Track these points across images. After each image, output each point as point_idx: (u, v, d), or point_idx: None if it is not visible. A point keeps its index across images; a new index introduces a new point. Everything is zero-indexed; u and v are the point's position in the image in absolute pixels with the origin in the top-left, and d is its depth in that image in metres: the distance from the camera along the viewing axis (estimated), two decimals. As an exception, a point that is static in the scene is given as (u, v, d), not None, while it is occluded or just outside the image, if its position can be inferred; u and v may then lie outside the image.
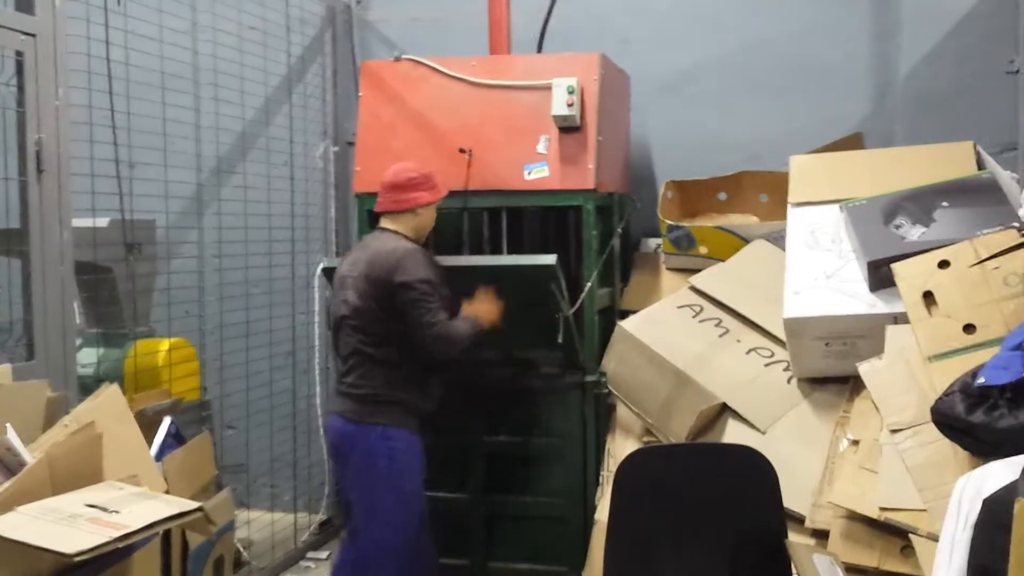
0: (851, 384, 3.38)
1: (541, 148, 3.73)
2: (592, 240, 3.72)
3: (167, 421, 3.41)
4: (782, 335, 3.57)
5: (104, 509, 2.38)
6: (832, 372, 3.38)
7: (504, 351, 3.70)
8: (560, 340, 3.47)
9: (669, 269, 4.23)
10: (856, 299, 3.24)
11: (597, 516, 3.46)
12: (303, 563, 4.51)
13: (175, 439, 3.43)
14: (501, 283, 3.38)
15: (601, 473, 3.64)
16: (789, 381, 3.48)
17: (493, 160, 3.78)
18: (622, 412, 3.72)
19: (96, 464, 2.64)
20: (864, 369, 3.07)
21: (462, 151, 3.74)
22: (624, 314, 4.06)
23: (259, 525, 4.45)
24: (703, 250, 4.10)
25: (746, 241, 4.03)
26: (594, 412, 3.71)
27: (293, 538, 4.57)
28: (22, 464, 2.46)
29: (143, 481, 2.77)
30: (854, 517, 2.81)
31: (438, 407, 3.41)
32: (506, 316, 3.49)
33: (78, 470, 2.55)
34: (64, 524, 2.26)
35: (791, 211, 3.63)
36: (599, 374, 3.70)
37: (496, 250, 3.93)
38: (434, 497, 3.84)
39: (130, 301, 4.07)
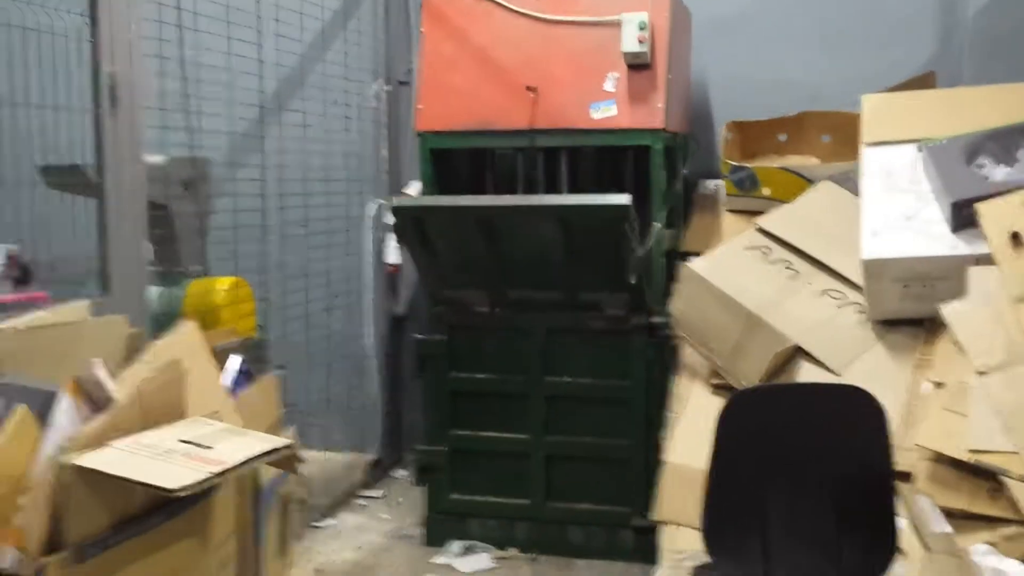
0: (926, 326, 3.34)
1: (609, 86, 3.66)
2: (660, 181, 3.66)
3: (237, 359, 3.39)
4: (854, 277, 3.53)
5: (198, 445, 2.37)
6: (909, 314, 3.34)
7: (569, 293, 3.65)
8: (632, 281, 3.43)
9: (730, 211, 4.17)
10: (937, 240, 3.18)
11: (667, 458, 3.44)
12: (356, 501, 4.52)
13: (244, 377, 3.42)
14: (571, 223, 3.34)
15: (666, 415, 3.62)
16: (862, 323, 3.43)
17: (558, 98, 3.71)
18: (688, 354, 3.68)
19: (181, 401, 2.62)
20: (948, 311, 3.02)
21: (529, 89, 3.67)
22: (685, 256, 4.00)
23: (312, 464, 4.46)
24: (766, 191, 4.04)
25: (810, 182, 3.96)
26: (660, 354, 3.68)
27: (347, 477, 4.58)
28: (108, 399, 2.44)
29: (224, 418, 2.76)
30: (940, 459, 2.78)
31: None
32: (574, 257, 3.46)
33: (165, 406, 2.54)
34: (161, 460, 2.25)
35: (865, 151, 3.56)
36: (665, 316, 3.66)
37: (553, 191, 3.89)
38: (496, 437, 3.85)
39: (187, 239, 4.04)
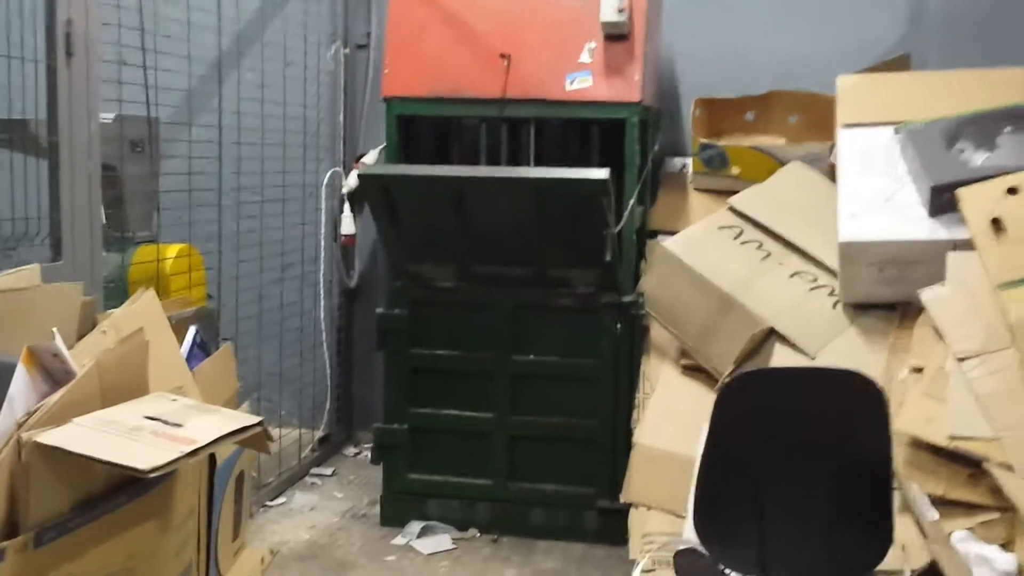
0: (899, 310, 3.32)
1: (585, 57, 3.56)
2: (634, 156, 3.58)
3: (192, 330, 3.23)
4: (825, 259, 3.50)
5: (165, 422, 2.22)
6: (881, 298, 3.32)
7: (538, 269, 3.56)
8: (608, 258, 3.35)
9: (697, 189, 4.11)
10: (916, 224, 3.15)
11: (637, 439, 3.38)
12: (308, 479, 4.39)
13: (200, 349, 3.26)
14: (547, 197, 3.24)
15: (636, 395, 3.56)
16: (835, 306, 3.40)
17: (532, 68, 3.60)
18: (657, 334, 3.62)
19: (143, 374, 2.45)
20: (927, 296, 3.00)
21: (503, 56, 3.55)
22: (653, 234, 3.95)
23: (260, 441, 4.30)
24: (735, 171, 3.99)
25: (780, 163, 3.92)
26: (629, 333, 3.61)
27: (297, 454, 4.44)
28: (68, 372, 2.27)
29: (187, 393, 2.62)
30: (919, 445, 2.76)
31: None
32: (546, 232, 3.37)
33: (128, 381, 2.37)
34: (127, 438, 2.09)
35: (841, 132, 3.52)
36: (635, 294, 3.59)
37: (516, 164, 3.78)
38: (458, 416, 3.75)
39: (135, 203, 3.84)
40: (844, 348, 3.28)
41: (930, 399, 2.84)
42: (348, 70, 4.58)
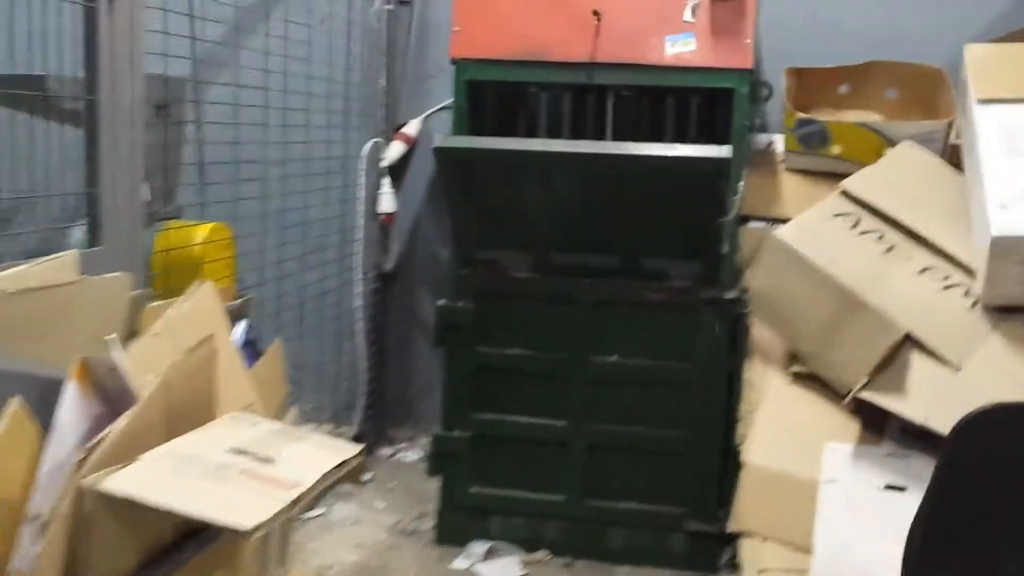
0: (1047, 315, 2.93)
1: (687, 15, 3.10)
2: (743, 131, 3.14)
3: (242, 326, 2.76)
4: (957, 253, 3.09)
5: (254, 456, 1.77)
6: (1028, 300, 2.92)
7: (630, 258, 3.11)
8: (725, 249, 2.91)
9: (789, 170, 3.67)
10: (1079, 217, 2.75)
11: (747, 458, 2.95)
12: (343, 486, 3.92)
13: (250, 348, 2.79)
14: (658, 177, 2.80)
15: (738, 406, 3.14)
16: (972, 309, 3.00)
17: (626, 27, 3.13)
18: (761, 336, 3.19)
19: (212, 391, 2.00)
20: (1103, 302, 2.61)
21: (595, 14, 3.08)
22: (743, 220, 3.51)
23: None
24: (836, 150, 3.55)
25: (889, 143, 3.49)
26: (730, 334, 3.19)
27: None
28: (125, 391, 1.81)
29: (258, 409, 2.17)
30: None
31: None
32: (644, 217, 2.94)
33: (195, 399, 1.92)
34: (213, 480, 1.64)
35: (977, 109, 3.08)
36: (738, 290, 3.16)
37: (599, 138, 3.34)
38: (527, 423, 3.32)
39: (157, 174, 3.34)
40: (991, 357, 2.87)
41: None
42: (390, 28, 4.09)
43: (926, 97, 3.71)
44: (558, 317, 3.24)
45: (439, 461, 3.39)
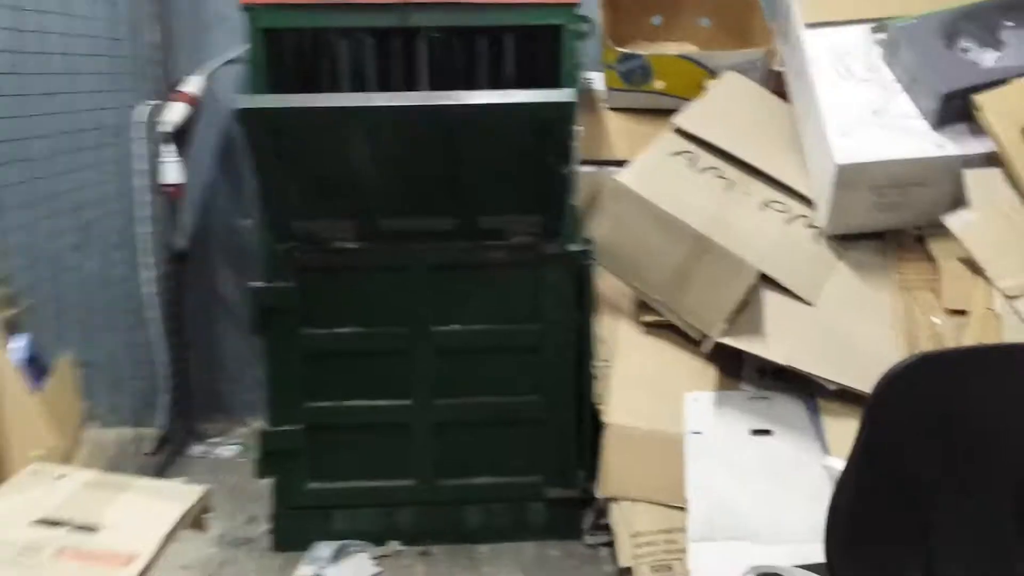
0: (887, 240, 2.90)
1: (505, -52, 2.82)
2: (574, 72, 2.90)
3: (22, 340, 2.29)
4: (794, 184, 3.03)
5: (71, 526, 1.39)
6: (873, 227, 2.88)
7: (466, 218, 2.84)
8: (569, 200, 2.68)
9: (613, 109, 3.49)
10: (920, 138, 2.71)
11: (608, 418, 2.78)
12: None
13: (34, 366, 2.32)
14: (493, 128, 2.52)
15: (593, 364, 2.96)
16: (815, 240, 2.93)
17: (437, -39, 2.82)
18: (606, 287, 3.02)
19: None
20: (955, 224, 2.58)
21: (403, -55, 2.75)
22: (571, 165, 3.31)
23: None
24: (659, 85, 3.40)
25: (711, 74, 3.37)
26: (576, 289, 2.98)
27: (132, 463, 3.49)
28: None
29: (72, 457, 1.77)
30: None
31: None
32: (479, 172, 2.67)
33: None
34: (23, 569, 1.26)
35: (805, 33, 3.01)
36: (580, 242, 2.96)
37: (410, 87, 3.05)
38: (367, 407, 3.02)
39: None
40: (841, 290, 2.82)
41: (984, 347, 2.42)
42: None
43: (740, 25, 3.62)
44: (392, 288, 2.94)
45: (270, 461, 3.03)
